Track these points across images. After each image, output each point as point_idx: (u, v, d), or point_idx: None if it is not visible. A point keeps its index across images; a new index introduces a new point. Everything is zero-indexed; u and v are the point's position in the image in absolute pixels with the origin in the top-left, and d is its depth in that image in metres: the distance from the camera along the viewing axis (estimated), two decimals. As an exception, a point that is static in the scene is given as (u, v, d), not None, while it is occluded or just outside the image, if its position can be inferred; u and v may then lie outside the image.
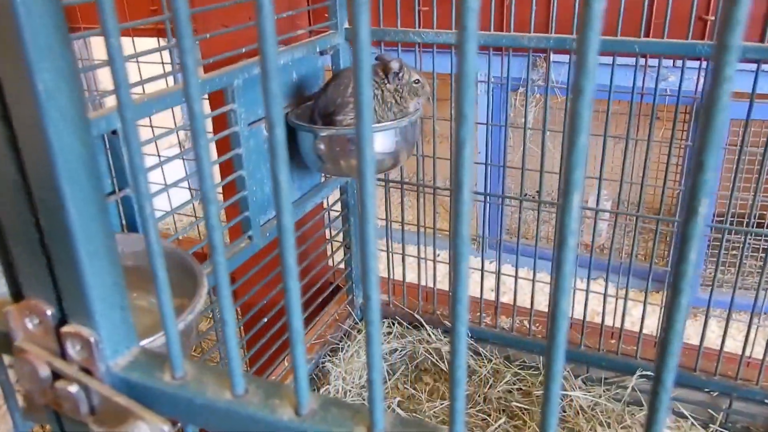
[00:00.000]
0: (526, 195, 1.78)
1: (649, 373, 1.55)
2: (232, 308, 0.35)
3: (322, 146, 1.30)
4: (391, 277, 1.83)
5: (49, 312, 0.39)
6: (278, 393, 0.37)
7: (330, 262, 1.77)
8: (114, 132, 0.94)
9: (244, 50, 1.24)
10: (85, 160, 0.36)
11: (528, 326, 1.70)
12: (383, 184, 1.69)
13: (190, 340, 0.80)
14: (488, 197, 1.68)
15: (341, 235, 1.73)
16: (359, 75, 0.26)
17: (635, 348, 1.58)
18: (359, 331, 1.77)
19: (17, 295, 0.41)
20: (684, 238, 0.24)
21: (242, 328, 1.51)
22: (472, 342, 1.72)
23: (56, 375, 0.39)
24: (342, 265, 1.77)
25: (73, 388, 0.38)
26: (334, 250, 1.75)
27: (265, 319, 1.41)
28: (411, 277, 1.82)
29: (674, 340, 0.26)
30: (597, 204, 1.63)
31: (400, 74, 1.32)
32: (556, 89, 2.28)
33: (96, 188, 0.37)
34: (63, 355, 0.39)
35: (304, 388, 0.35)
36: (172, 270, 0.72)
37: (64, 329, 0.38)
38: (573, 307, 1.68)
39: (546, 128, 1.50)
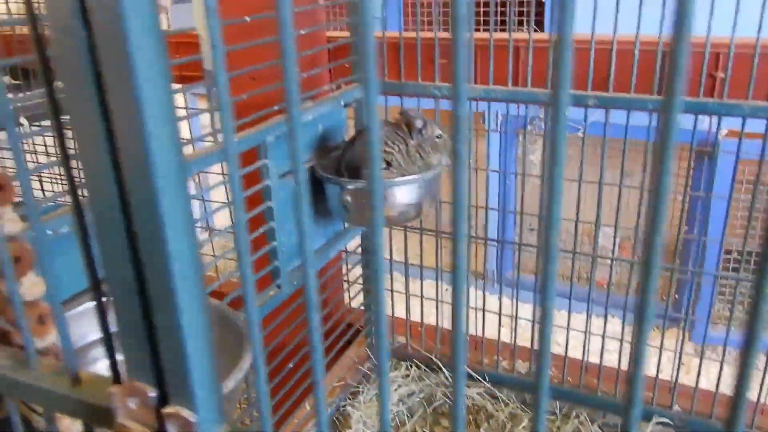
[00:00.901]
0: (531, 228, 1.84)
1: (664, 420, 1.57)
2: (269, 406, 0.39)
3: (348, 198, 1.36)
4: (410, 318, 1.86)
5: (151, 394, 0.43)
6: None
7: (351, 306, 1.81)
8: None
9: (276, 107, 1.31)
10: (192, 256, 0.41)
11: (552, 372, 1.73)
12: (402, 229, 1.75)
13: (237, 395, 0.84)
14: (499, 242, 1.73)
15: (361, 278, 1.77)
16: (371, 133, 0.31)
17: (651, 394, 1.60)
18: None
19: (118, 374, 0.46)
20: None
21: (268, 374, 1.54)
22: (489, 386, 1.75)
23: (155, 450, 0.44)
24: (362, 308, 1.81)
25: (175, 465, 0.42)
26: (354, 293, 1.79)
27: (291, 365, 1.45)
28: (429, 318, 1.85)
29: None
30: (613, 252, 1.68)
31: (423, 130, 1.38)
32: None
33: (200, 280, 0.42)
34: (162, 432, 0.44)
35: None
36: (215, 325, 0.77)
37: (166, 410, 0.43)
38: (588, 348, 1.71)
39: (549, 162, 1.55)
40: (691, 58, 1.42)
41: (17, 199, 0.59)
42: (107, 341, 0.45)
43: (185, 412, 0.42)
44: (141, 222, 0.39)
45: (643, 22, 1.39)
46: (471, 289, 2.56)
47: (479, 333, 1.81)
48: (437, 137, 1.39)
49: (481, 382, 1.75)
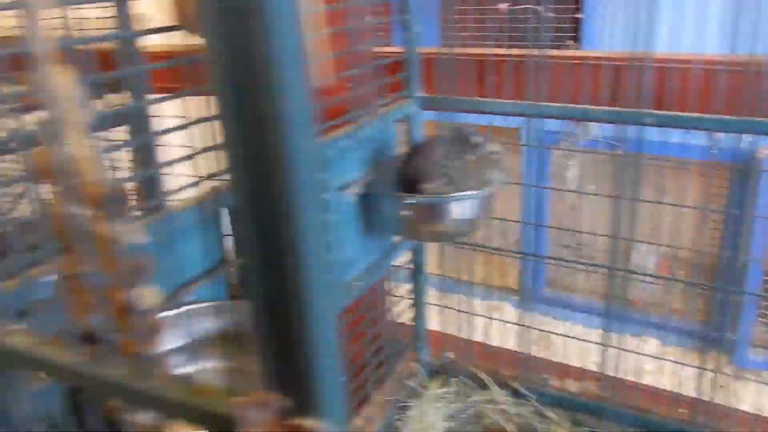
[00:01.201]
0: (565, 245, 1.82)
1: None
2: None
3: (406, 212, 1.36)
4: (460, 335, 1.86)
5: (277, 404, 0.44)
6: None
7: (398, 320, 1.81)
8: (232, 205, 1.01)
9: (335, 122, 1.32)
10: (325, 272, 0.42)
11: (597, 391, 1.70)
12: (455, 245, 1.75)
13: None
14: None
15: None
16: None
17: (693, 415, 1.57)
18: (425, 388, 1.80)
19: (241, 384, 0.47)
20: None
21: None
22: (538, 404, 1.73)
23: (279, 460, 0.44)
24: (411, 323, 1.81)
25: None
26: (402, 308, 1.79)
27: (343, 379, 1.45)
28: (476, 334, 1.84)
29: None
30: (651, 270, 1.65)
31: (480, 146, 1.38)
32: (600, 143, 2.32)
33: (331, 296, 0.42)
34: (287, 442, 0.44)
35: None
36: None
37: (292, 421, 0.44)
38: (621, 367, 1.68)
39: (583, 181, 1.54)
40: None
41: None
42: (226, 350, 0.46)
43: (314, 423, 0.43)
44: (285, 236, 0.40)
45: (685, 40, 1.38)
46: (508, 306, 2.54)
47: (525, 350, 1.79)
48: (493, 153, 1.39)
49: (529, 400, 1.73)
